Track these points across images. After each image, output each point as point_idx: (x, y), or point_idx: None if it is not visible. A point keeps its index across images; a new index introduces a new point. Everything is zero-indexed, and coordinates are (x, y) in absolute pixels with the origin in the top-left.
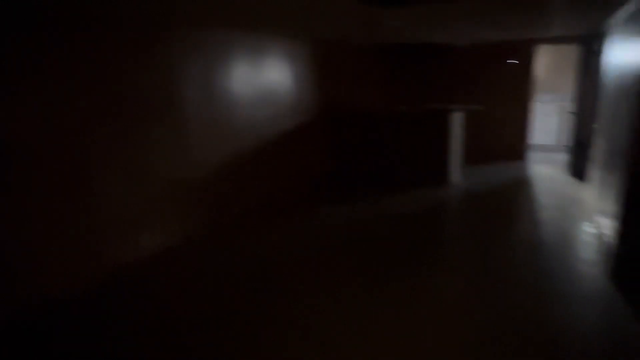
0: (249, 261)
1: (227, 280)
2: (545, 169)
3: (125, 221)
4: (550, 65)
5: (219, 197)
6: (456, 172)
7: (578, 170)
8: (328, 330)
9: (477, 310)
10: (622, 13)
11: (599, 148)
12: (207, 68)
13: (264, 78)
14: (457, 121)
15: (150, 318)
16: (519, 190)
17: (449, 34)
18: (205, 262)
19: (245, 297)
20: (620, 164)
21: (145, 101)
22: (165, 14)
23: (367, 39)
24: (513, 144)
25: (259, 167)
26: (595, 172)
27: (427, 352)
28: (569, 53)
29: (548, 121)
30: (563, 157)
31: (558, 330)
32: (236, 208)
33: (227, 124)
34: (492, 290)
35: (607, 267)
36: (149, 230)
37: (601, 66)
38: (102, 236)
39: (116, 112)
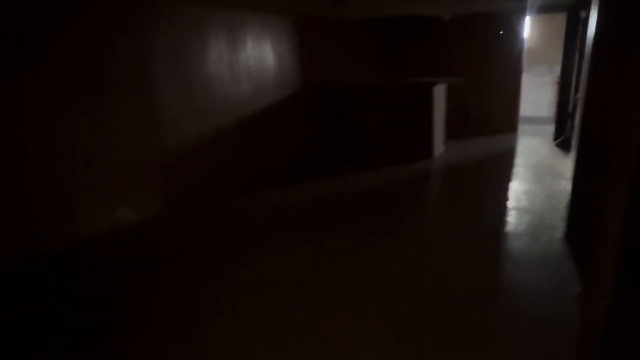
0: (224, 230)
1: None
2: (534, 141)
3: (98, 192)
4: (544, 36)
5: (197, 173)
6: (440, 145)
7: (564, 141)
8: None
9: (443, 266)
10: None
11: (579, 117)
12: (181, 44)
13: (243, 54)
14: (440, 94)
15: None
16: (500, 163)
17: (433, 6)
18: (178, 235)
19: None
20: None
21: (116, 75)
22: None
23: (344, 12)
24: (501, 116)
25: (241, 143)
26: (575, 142)
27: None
28: (562, 24)
29: (541, 93)
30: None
31: (510, 281)
32: (216, 183)
33: (204, 100)
34: (458, 251)
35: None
36: (122, 203)
37: (587, 34)
38: (73, 204)
39: (85, 85)
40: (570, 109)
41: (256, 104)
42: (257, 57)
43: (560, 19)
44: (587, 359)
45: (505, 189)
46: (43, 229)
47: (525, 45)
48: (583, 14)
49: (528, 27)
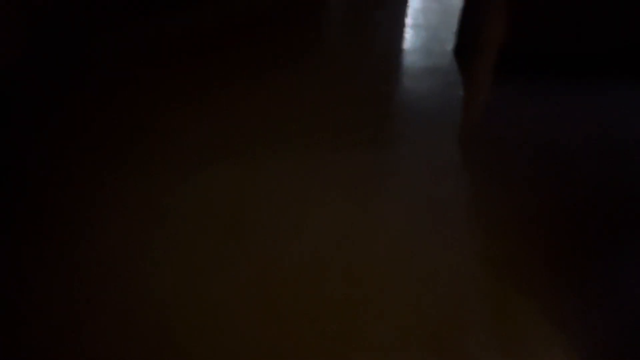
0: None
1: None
2: None
3: None
4: None
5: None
6: None
7: None
8: None
9: (344, 79)
10: None
11: None
12: None
13: None
14: None
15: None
16: None
17: None
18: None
19: None
20: None
21: None
22: None
23: None
24: None
25: None
26: None
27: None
28: None
29: None
30: None
31: (404, 89)
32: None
33: None
34: (356, 67)
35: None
36: None
37: None
38: None
39: None
40: None
41: None
42: None
43: None
44: (467, 144)
45: (403, 9)
46: None
47: None
48: None
49: None
